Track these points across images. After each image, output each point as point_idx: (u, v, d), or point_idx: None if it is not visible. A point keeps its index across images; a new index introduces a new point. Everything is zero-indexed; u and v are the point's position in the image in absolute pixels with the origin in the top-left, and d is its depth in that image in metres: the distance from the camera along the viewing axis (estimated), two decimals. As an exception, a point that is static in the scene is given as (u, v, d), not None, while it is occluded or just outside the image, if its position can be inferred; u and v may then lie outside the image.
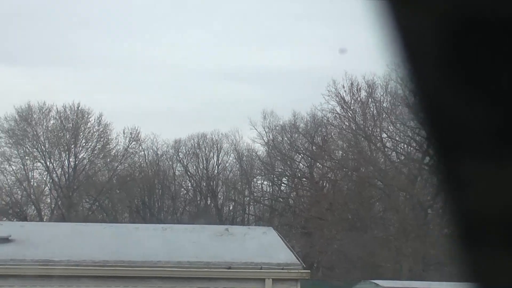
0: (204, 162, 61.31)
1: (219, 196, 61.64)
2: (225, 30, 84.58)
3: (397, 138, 46.47)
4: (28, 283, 15.62)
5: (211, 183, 61.14)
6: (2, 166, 59.39)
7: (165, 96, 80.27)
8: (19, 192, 60.12)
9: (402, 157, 46.18)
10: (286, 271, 16.36)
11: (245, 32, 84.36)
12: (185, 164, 61.83)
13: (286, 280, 16.30)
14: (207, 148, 61.71)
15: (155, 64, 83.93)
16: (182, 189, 62.83)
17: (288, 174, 55.76)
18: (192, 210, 61.36)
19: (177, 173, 62.07)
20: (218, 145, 61.83)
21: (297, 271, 16.40)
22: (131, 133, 61.16)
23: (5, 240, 16.64)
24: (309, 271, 16.78)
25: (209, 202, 61.35)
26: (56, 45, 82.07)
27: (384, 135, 47.04)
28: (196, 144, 61.90)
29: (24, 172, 59.18)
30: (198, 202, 61.67)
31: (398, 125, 45.59)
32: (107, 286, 15.81)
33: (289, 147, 55.04)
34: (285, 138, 55.85)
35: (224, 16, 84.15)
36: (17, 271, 15.56)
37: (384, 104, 47.27)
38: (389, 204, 45.03)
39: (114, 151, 61.22)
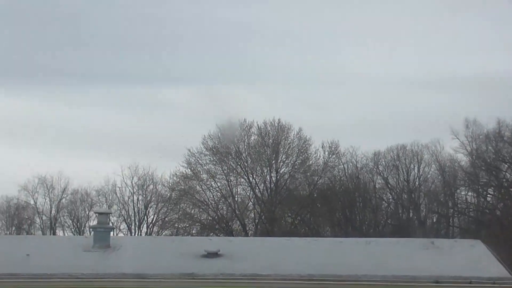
0: (405, 174, 60.41)
1: (421, 209, 60.42)
2: (421, 39, 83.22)
3: None
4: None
5: (413, 195, 60.10)
6: (208, 183, 61.74)
7: (362, 108, 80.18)
8: (224, 207, 62.17)
9: None
10: (498, 285, 15.68)
11: (441, 41, 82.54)
12: (385, 176, 61.23)
13: (498, 296, 15.61)
14: (407, 160, 60.81)
15: (352, 77, 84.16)
16: (383, 201, 62.22)
17: (494, 185, 53.66)
18: (394, 223, 60.58)
19: (377, 185, 61.58)
20: (419, 157, 60.77)
21: (510, 286, 15.66)
22: (330, 146, 61.55)
23: (215, 255, 17.22)
24: (522, 286, 15.95)
25: (411, 214, 60.31)
26: (252, 64, 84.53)
27: None
28: (395, 156, 61.17)
29: (228, 188, 61.13)
30: (400, 214, 60.78)
31: None
32: (313, 300, 15.88)
33: (494, 156, 53.02)
34: (490, 147, 53.92)
35: (417, 25, 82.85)
36: (227, 284, 16.02)
37: None
38: None
39: (314, 165, 61.77)
